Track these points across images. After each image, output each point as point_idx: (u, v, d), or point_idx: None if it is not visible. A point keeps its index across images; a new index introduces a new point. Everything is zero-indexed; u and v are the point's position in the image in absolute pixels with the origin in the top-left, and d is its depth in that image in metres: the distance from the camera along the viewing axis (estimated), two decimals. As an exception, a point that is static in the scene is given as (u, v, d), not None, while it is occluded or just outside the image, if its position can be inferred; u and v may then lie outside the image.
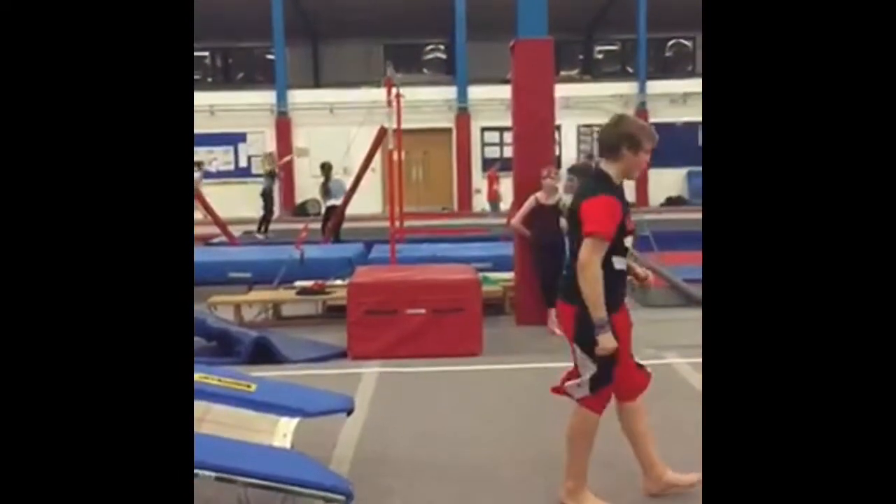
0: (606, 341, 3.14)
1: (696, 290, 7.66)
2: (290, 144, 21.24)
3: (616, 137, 3.27)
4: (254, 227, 15.94)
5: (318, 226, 13.37)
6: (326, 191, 13.80)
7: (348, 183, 12.60)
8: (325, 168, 13.79)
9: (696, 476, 3.37)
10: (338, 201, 13.06)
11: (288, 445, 3.45)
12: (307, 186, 20.12)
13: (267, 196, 15.99)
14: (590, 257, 3.11)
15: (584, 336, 3.22)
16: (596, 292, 3.12)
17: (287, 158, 19.20)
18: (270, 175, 16.44)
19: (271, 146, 20.80)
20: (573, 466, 3.33)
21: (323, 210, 14.06)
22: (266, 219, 15.94)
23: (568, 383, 3.33)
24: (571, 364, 3.37)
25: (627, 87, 22.99)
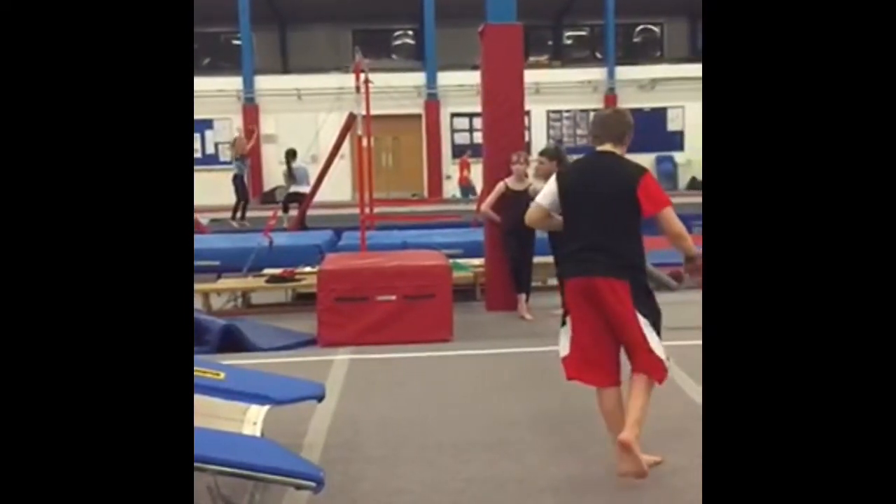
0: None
1: (666, 275, 7.73)
2: (258, 131, 20.98)
3: (626, 126, 3.63)
4: (221, 215, 15.66)
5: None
6: (291, 176, 13.76)
7: (312, 169, 12.51)
8: (289, 154, 13.77)
9: (659, 457, 3.59)
10: (300, 187, 12.98)
11: (258, 433, 3.43)
12: (275, 173, 19.95)
13: (238, 181, 15.70)
14: (678, 223, 3.48)
15: (647, 305, 3.43)
16: (694, 245, 3.48)
17: (253, 140, 18.70)
18: (239, 160, 16.13)
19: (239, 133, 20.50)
20: (642, 417, 3.40)
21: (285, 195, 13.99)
22: (239, 206, 15.47)
23: (662, 358, 3.42)
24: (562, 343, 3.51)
25: (596, 73, 23.07)
